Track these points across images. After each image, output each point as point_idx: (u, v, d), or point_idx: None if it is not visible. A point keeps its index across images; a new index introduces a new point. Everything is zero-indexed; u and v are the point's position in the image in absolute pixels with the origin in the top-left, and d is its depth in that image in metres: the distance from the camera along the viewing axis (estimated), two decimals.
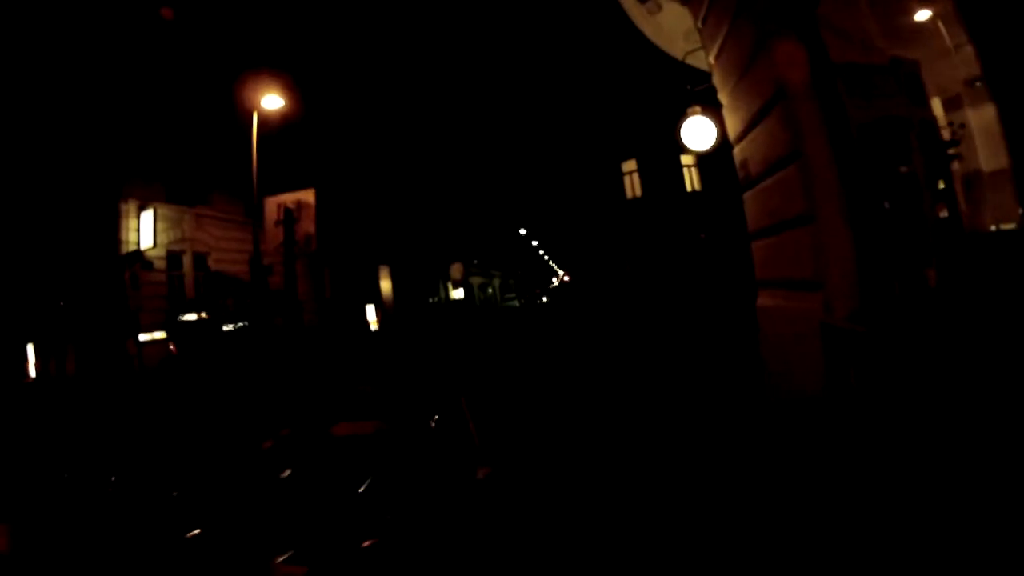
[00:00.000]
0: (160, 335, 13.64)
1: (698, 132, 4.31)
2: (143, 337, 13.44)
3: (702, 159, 19.14)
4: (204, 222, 17.70)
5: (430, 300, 37.33)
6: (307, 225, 6.04)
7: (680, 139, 4.36)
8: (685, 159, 19.07)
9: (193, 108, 16.69)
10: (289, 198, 6.27)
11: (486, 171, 39.24)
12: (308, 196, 6.14)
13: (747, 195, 3.68)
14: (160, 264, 15.25)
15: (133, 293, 14.15)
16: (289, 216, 6.05)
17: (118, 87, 14.17)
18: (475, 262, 44.98)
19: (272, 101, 12.53)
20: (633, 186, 19.93)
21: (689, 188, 19.27)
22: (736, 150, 3.83)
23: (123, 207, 14.85)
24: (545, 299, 37.21)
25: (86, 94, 13.37)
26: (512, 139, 37.61)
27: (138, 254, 14.28)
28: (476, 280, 45.77)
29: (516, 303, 44.21)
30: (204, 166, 17.46)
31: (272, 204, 6.38)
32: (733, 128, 3.85)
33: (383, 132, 29.72)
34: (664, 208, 19.06)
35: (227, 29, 17.89)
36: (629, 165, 19.96)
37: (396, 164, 31.67)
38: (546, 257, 67.61)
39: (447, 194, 37.36)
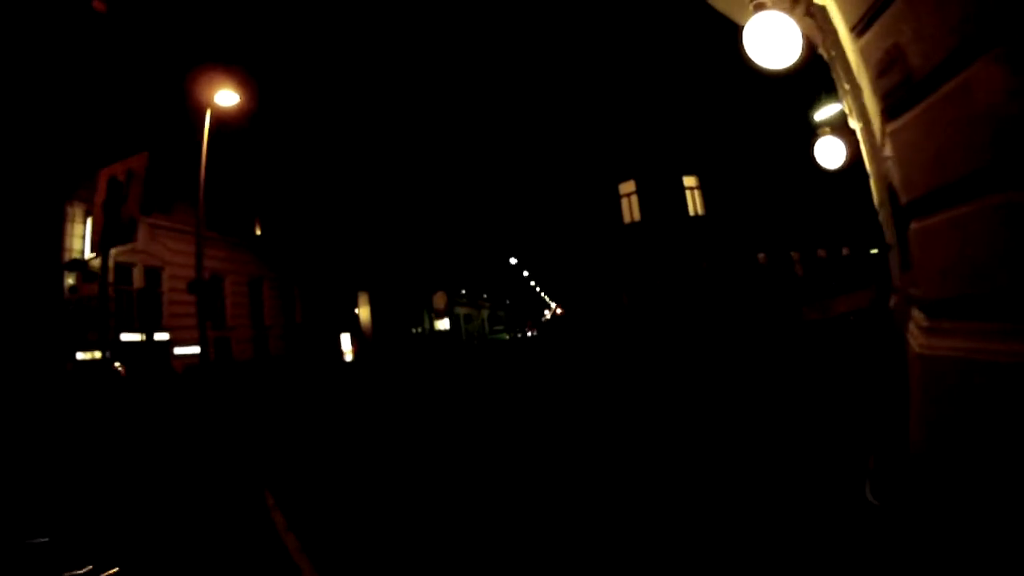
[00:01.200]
0: (98, 354, 12.48)
1: (773, 38, 2.47)
2: (80, 356, 12.39)
3: (705, 181, 17.61)
4: (159, 233, 16.15)
5: (413, 330, 35.15)
6: (132, 206, 4.06)
7: (745, 51, 2.53)
8: (688, 180, 17.45)
9: (158, 100, 15.38)
10: (119, 168, 4.29)
11: (475, 194, 37.84)
12: (139, 164, 4.15)
13: (904, 121, 1.77)
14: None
15: (72, 306, 12.73)
16: (116, 190, 4.06)
17: (69, 77, 12.89)
18: (462, 292, 42.99)
19: (229, 97, 11.76)
20: (631, 209, 18.20)
21: (692, 212, 17.59)
22: (864, 42, 1.95)
23: (69, 210, 13.24)
24: (536, 332, 35.18)
25: (30, 81, 12.00)
26: (502, 159, 36.35)
27: (80, 263, 12.82)
28: (463, 311, 43.62)
29: (505, 336, 42.21)
30: (167, 171, 15.79)
31: (104, 180, 4.44)
32: (853, 8, 2.00)
33: (366, 147, 28.32)
34: (664, 234, 17.31)
35: (206, 20, 16.68)
36: (627, 187, 18.27)
37: (380, 183, 30.19)
38: (538, 289, 65.91)
39: (433, 217, 35.78)
